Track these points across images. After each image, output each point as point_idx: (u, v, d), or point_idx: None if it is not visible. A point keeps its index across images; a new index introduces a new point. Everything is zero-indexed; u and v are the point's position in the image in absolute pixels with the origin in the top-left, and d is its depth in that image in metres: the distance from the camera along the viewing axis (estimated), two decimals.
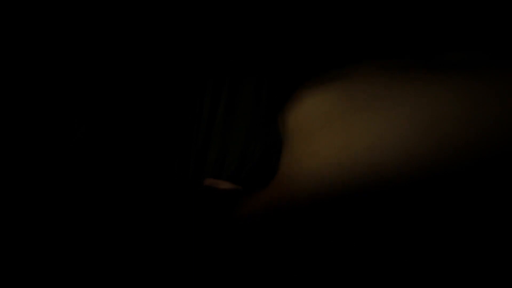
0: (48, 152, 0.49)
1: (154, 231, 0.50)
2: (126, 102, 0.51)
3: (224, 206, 0.49)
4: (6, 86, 0.49)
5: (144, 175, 0.51)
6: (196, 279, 0.47)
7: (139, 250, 0.49)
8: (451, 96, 0.41)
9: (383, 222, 0.44)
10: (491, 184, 0.42)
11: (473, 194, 0.42)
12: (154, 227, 0.50)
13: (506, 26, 0.50)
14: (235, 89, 0.53)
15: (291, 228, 0.47)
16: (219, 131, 0.52)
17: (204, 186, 0.50)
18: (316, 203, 0.44)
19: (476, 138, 0.40)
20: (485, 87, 0.41)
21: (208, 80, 0.53)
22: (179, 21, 0.54)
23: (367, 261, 0.44)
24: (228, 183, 0.50)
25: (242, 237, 0.48)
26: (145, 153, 0.51)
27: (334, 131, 0.44)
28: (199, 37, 0.54)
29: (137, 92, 0.51)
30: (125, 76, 0.51)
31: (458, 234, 0.43)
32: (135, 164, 0.51)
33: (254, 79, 0.53)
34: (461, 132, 0.41)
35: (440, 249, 0.44)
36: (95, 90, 0.50)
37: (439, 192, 0.42)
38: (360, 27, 0.57)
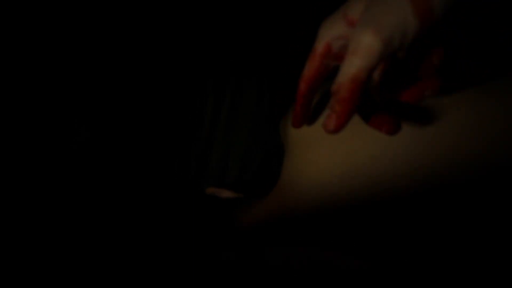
0: (49, 154, 0.49)
1: (157, 234, 0.50)
2: (127, 104, 0.50)
3: (226, 213, 0.49)
4: (6, 87, 0.49)
5: (145, 178, 0.51)
6: (195, 283, 0.47)
7: (140, 252, 0.49)
8: (457, 106, 0.41)
9: (385, 232, 0.44)
10: (498, 196, 0.41)
11: (479, 206, 0.42)
12: (156, 230, 0.50)
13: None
14: (237, 91, 0.53)
15: (292, 237, 0.47)
16: (222, 133, 0.52)
17: (206, 194, 0.50)
18: (317, 212, 0.44)
19: (482, 150, 0.40)
20: (493, 99, 0.41)
21: (210, 83, 0.52)
22: (180, 23, 0.53)
23: (368, 270, 0.44)
24: (229, 191, 0.50)
25: (243, 244, 0.48)
26: (146, 155, 0.51)
27: (335, 140, 0.43)
28: (201, 39, 0.54)
29: (139, 93, 0.51)
30: (126, 78, 0.51)
31: (464, 245, 0.43)
32: (136, 166, 0.51)
33: (256, 81, 0.53)
34: (466, 144, 0.40)
35: (444, 262, 0.44)
36: (96, 92, 0.50)
37: (444, 204, 0.42)
38: None
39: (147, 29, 0.52)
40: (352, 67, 0.31)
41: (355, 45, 0.31)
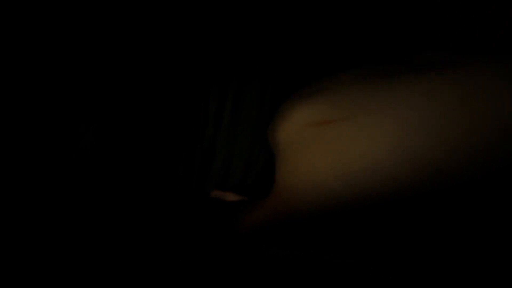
0: (53, 159, 0.50)
1: (159, 236, 0.50)
2: (131, 107, 0.51)
3: (228, 216, 0.49)
4: (7, 89, 0.49)
5: (149, 181, 0.52)
6: (196, 284, 0.47)
7: (143, 255, 0.49)
8: (447, 99, 0.40)
9: (382, 232, 0.44)
10: (502, 196, 0.41)
11: (482, 206, 0.41)
12: (159, 233, 0.50)
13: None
14: (239, 94, 0.53)
15: (292, 240, 0.47)
16: (224, 137, 0.52)
17: (211, 198, 0.50)
18: (316, 214, 0.44)
19: (485, 145, 0.39)
20: (480, 90, 0.39)
21: (212, 86, 0.53)
22: (183, 28, 0.54)
23: (368, 271, 0.44)
24: (234, 194, 0.50)
25: (244, 249, 0.48)
26: (150, 159, 0.51)
27: (327, 140, 0.43)
28: (203, 43, 0.54)
29: (143, 97, 0.52)
30: (131, 81, 0.52)
31: (465, 248, 0.43)
32: (140, 170, 0.51)
33: (258, 84, 0.53)
34: (467, 140, 0.39)
35: (446, 263, 0.43)
36: (99, 97, 0.51)
37: (445, 205, 0.41)
38: (348, 34, 0.56)
39: (151, 33, 0.53)
40: None
41: None
